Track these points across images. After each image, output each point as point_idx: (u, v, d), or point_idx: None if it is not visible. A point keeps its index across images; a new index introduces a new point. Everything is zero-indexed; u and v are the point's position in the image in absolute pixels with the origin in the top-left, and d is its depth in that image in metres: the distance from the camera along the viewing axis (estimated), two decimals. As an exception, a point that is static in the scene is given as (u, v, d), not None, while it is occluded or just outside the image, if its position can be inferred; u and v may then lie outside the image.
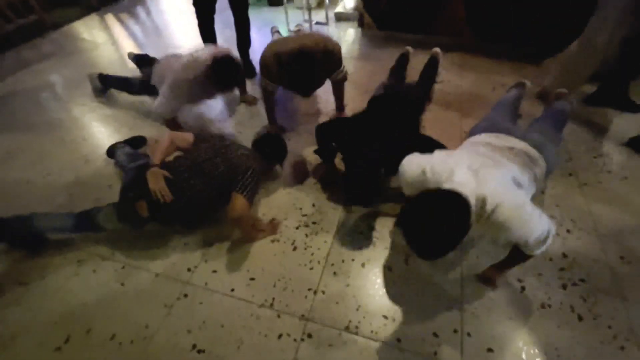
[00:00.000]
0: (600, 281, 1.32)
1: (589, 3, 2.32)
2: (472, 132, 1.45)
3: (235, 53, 2.59)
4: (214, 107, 2.40)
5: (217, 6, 2.41)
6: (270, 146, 1.64)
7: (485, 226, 1.01)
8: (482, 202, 0.96)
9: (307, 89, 1.74)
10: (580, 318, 1.23)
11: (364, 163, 1.47)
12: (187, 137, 1.52)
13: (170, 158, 1.50)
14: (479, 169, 1.05)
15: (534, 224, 0.97)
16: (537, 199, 1.60)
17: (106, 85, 2.48)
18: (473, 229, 1.01)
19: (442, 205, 0.90)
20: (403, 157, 1.30)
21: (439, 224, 0.87)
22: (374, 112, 1.69)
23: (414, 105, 1.80)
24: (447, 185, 0.99)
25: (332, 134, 1.66)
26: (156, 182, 1.35)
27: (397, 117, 1.65)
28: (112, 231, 1.48)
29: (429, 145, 1.55)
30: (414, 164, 1.14)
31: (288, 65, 1.63)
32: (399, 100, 1.77)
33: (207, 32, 2.48)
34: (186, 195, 1.38)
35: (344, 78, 1.96)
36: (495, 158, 1.14)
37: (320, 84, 1.88)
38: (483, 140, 1.28)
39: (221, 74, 1.80)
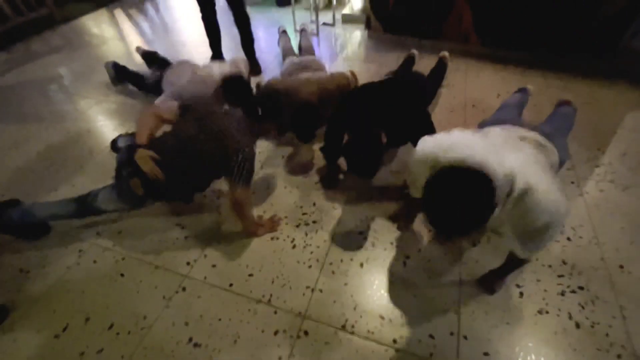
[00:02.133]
0: (599, 289, 1.32)
1: (594, 11, 2.33)
2: (480, 127, 1.41)
3: (241, 52, 2.65)
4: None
5: (223, 5, 2.43)
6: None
7: (512, 210, 0.93)
8: (510, 182, 0.90)
9: (308, 139, 1.82)
10: (577, 325, 1.22)
11: (367, 129, 1.45)
12: (172, 108, 1.46)
13: (158, 133, 1.45)
14: (499, 147, 0.99)
15: (563, 214, 0.90)
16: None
17: (120, 76, 2.52)
18: (498, 212, 0.93)
19: (466, 181, 0.83)
20: (407, 129, 1.25)
21: (465, 200, 0.82)
22: (384, 86, 1.69)
23: (422, 89, 1.80)
24: (469, 161, 0.88)
25: (342, 118, 1.63)
26: (145, 163, 1.31)
27: (405, 96, 1.64)
28: (113, 212, 1.49)
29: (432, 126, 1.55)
30: (430, 143, 1.06)
31: (294, 117, 1.70)
32: (410, 81, 1.77)
33: (210, 26, 2.52)
34: (176, 173, 1.35)
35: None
36: (512, 142, 1.08)
37: (322, 124, 1.90)
38: (494, 130, 1.22)
39: (232, 94, 1.86)
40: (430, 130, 1.55)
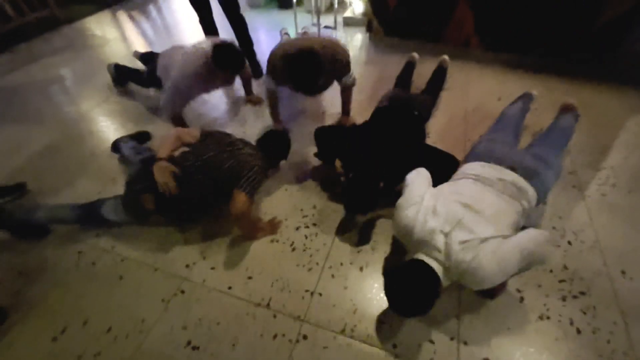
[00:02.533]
0: (600, 295, 1.31)
1: (595, 15, 2.33)
2: (471, 153, 1.48)
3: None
4: (219, 106, 2.43)
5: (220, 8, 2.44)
6: (275, 143, 1.64)
7: (465, 284, 1.11)
8: (449, 271, 1.08)
9: (311, 89, 1.75)
10: (578, 331, 1.21)
11: (364, 174, 1.48)
12: (194, 133, 1.54)
13: (177, 153, 1.51)
14: (450, 232, 1.09)
15: (512, 264, 1.03)
16: (538, 210, 1.60)
17: (121, 76, 2.54)
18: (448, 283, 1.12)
19: (415, 277, 1.08)
20: (404, 168, 1.32)
21: (413, 294, 1.06)
22: (377, 124, 1.70)
23: (419, 117, 1.80)
24: (420, 256, 1.12)
25: (330, 140, 1.67)
26: (162, 175, 1.35)
27: (401, 130, 1.66)
28: (115, 223, 1.49)
29: (434, 159, 1.57)
30: (402, 219, 1.19)
31: (293, 63, 1.64)
32: (403, 112, 1.77)
33: (209, 28, 2.52)
34: (191, 189, 1.39)
35: (353, 83, 1.97)
36: (477, 207, 1.15)
37: (325, 86, 1.90)
38: (475, 172, 1.31)
39: (221, 57, 1.84)
40: (437, 160, 1.58)
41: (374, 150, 1.55)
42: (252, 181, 1.38)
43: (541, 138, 1.62)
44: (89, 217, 1.48)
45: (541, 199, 1.31)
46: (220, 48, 1.85)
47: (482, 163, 1.35)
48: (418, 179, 1.28)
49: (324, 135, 1.71)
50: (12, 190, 1.74)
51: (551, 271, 1.39)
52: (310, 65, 1.63)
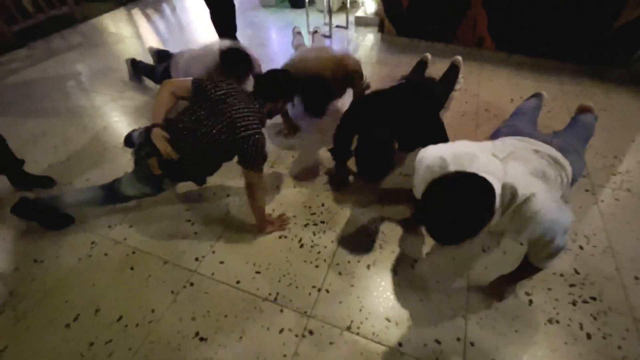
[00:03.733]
0: (612, 300, 1.28)
1: (614, 16, 2.28)
2: (494, 136, 1.42)
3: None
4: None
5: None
6: (275, 83, 1.48)
7: (512, 217, 0.95)
8: (512, 191, 0.91)
9: (319, 115, 1.76)
10: (589, 336, 1.19)
11: (378, 133, 1.44)
12: (186, 84, 1.43)
13: (173, 113, 1.45)
14: (506, 158, 1.00)
15: (565, 224, 0.91)
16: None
17: (136, 71, 2.61)
18: (498, 220, 0.97)
19: (465, 188, 0.84)
20: (419, 134, 1.26)
21: (462, 206, 0.82)
22: (397, 92, 1.66)
23: (435, 98, 1.78)
24: (470, 170, 0.92)
25: (352, 121, 1.63)
26: (159, 142, 1.33)
27: (420, 100, 1.62)
28: (136, 198, 1.53)
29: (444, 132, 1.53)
30: (433, 151, 1.07)
31: (303, 90, 1.68)
32: (421, 89, 1.76)
33: (220, 22, 2.68)
34: (189, 154, 1.36)
35: (367, 88, 2.01)
36: (522, 153, 1.08)
37: (333, 99, 1.94)
38: (507, 142, 1.22)
39: (229, 62, 1.88)
40: (442, 136, 1.55)
41: (391, 114, 1.50)
42: (255, 154, 1.32)
43: (565, 130, 1.57)
44: (112, 196, 1.51)
45: (576, 177, 1.22)
46: (227, 53, 1.88)
47: (513, 137, 1.24)
48: (432, 148, 1.14)
49: (346, 122, 1.66)
50: (41, 182, 1.80)
51: (561, 275, 1.37)
52: (319, 95, 1.68)
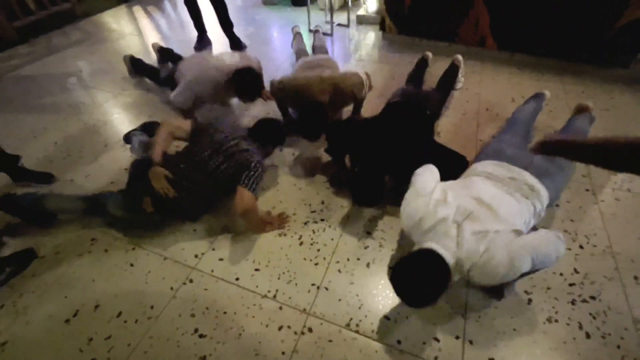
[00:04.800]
0: (611, 300, 1.28)
1: (616, 16, 2.28)
2: (482, 153, 1.46)
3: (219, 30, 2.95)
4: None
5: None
6: (267, 131, 1.67)
7: (472, 279, 1.09)
8: (460, 264, 1.05)
9: (315, 138, 1.84)
10: (588, 335, 1.19)
11: (371, 167, 1.49)
12: (184, 126, 1.53)
13: (174, 150, 1.52)
14: (463, 223, 1.09)
15: (507, 273, 1.01)
16: (550, 213, 1.57)
17: (137, 69, 2.59)
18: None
19: (425, 267, 1.04)
20: (412, 165, 1.32)
21: (422, 283, 1.02)
22: (388, 118, 1.70)
23: (429, 114, 1.80)
24: (431, 245, 1.07)
25: (342, 134, 1.68)
26: (157, 181, 1.39)
27: (411, 125, 1.65)
28: (119, 218, 1.52)
29: (442, 156, 1.56)
30: (414, 208, 1.17)
31: (300, 115, 1.75)
32: (415, 108, 1.77)
33: (192, 8, 2.87)
34: (188, 192, 1.42)
35: (369, 89, 2.02)
36: (488, 202, 1.15)
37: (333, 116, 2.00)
38: (486, 170, 1.30)
39: (242, 85, 1.91)
40: (446, 158, 1.58)
41: (383, 144, 1.55)
42: (253, 176, 1.40)
43: None
44: (94, 210, 1.51)
45: (553, 200, 1.30)
46: (242, 75, 1.88)
47: (494, 162, 1.34)
48: (426, 173, 1.27)
49: (335, 130, 1.71)
50: (40, 177, 1.80)
51: (561, 274, 1.37)
52: (316, 121, 1.74)
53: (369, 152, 1.56)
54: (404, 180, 1.30)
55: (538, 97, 1.94)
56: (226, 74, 1.93)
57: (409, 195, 1.21)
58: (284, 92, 1.92)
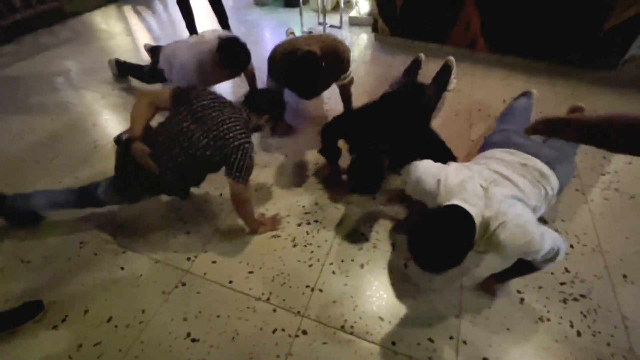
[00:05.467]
0: (601, 298, 1.30)
1: (602, 19, 2.33)
2: (486, 143, 1.46)
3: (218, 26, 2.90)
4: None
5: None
6: (267, 99, 1.48)
7: (487, 244, 1.03)
8: (486, 223, 1.00)
9: (310, 94, 1.71)
10: (579, 334, 1.21)
11: (370, 151, 1.45)
12: (163, 94, 1.38)
13: (154, 123, 1.40)
14: (489, 186, 1.07)
15: (536, 243, 0.97)
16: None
17: (122, 71, 2.54)
18: (477, 246, 1.05)
19: (449, 222, 0.95)
20: (410, 152, 1.29)
21: (444, 240, 0.92)
22: (385, 105, 1.68)
23: (426, 103, 1.80)
24: (456, 201, 1.02)
25: (337, 131, 1.65)
26: (140, 157, 1.28)
27: (408, 113, 1.64)
28: (112, 204, 1.48)
29: (437, 147, 1.55)
30: (429, 174, 1.14)
31: (292, 69, 1.62)
32: (411, 96, 1.76)
33: (184, 7, 2.86)
34: (172, 168, 1.31)
35: (350, 82, 1.96)
36: (506, 175, 1.14)
37: (325, 86, 1.89)
38: (495, 156, 1.29)
39: (228, 53, 1.81)
40: (437, 146, 1.56)
41: (380, 130, 1.51)
42: (242, 164, 1.28)
43: (554, 144, 1.61)
44: (86, 199, 1.46)
45: (562, 187, 1.29)
46: (226, 44, 1.81)
47: (503, 149, 1.32)
48: (425, 161, 1.23)
49: (330, 130, 1.69)
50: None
51: (552, 273, 1.39)
52: (309, 71, 1.60)
53: (366, 137, 1.52)
54: (402, 163, 1.28)
55: (527, 94, 1.97)
56: (209, 48, 1.84)
57: (419, 163, 1.18)
58: (274, 61, 1.80)
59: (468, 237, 0.95)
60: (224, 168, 1.34)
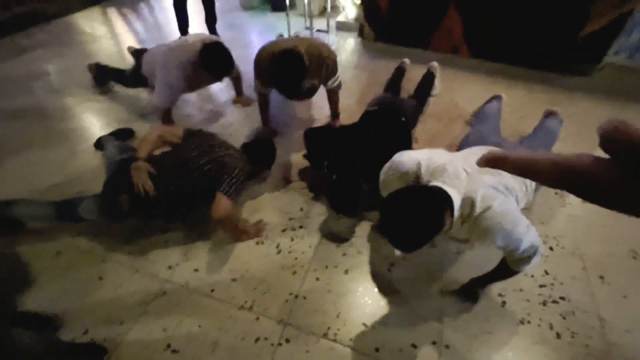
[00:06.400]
0: (579, 300, 1.33)
1: (580, 25, 2.40)
2: (463, 144, 1.47)
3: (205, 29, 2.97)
4: (206, 107, 2.41)
5: (217, 9, 2.46)
6: (260, 151, 1.65)
7: (471, 228, 1.01)
8: (471, 203, 0.97)
9: (294, 91, 1.68)
10: (558, 336, 1.23)
11: (348, 175, 1.49)
12: (177, 132, 1.51)
13: (157, 152, 1.48)
14: (473, 172, 1.05)
15: (521, 233, 0.96)
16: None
17: (103, 76, 2.46)
18: (458, 231, 1.03)
19: (418, 200, 0.93)
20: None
21: (412, 217, 0.91)
22: (365, 126, 1.70)
23: (406, 123, 1.82)
24: (436, 183, 1.00)
25: (319, 140, 1.68)
26: (139, 176, 1.33)
27: (388, 133, 1.67)
28: (92, 223, 1.45)
29: None
30: (408, 157, 1.13)
31: (276, 65, 1.61)
32: (391, 116, 1.79)
33: (180, 10, 2.87)
34: (169, 190, 1.36)
35: (338, 87, 1.97)
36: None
37: (313, 90, 1.89)
38: (475, 151, 1.28)
39: (210, 58, 1.81)
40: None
41: (360, 153, 1.55)
42: (234, 183, 1.36)
43: (530, 136, 1.65)
44: (66, 215, 1.43)
45: (539, 186, 1.29)
46: (209, 49, 1.79)
47: (479, 147, 1.32)
48: (407, 151, 1.22)
49: (313, 136, 1.71)
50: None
51: (532, 276, 1.41)
52: (292, 68, 1.60)
53: (346, 159, 1.56)
54: (374, 184, 1.30)
55: (497, 98, 2.05)
56: (192, 52, 1.83)
57: (395, 156, 1.17)
58: (260, 62, 1.79)
59: (438, 215, 0.93)
60: None
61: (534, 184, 1.23)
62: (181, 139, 1.50)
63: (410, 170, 1.11)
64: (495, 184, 1.03)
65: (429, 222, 0.92)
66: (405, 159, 1.14)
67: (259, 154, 1.64)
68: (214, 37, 1.98)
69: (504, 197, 1.02)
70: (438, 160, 1.08)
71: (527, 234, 0.97)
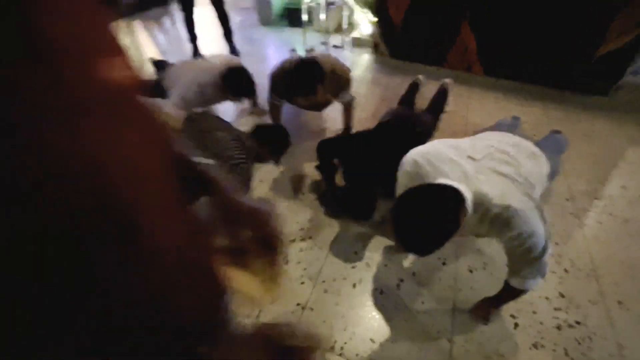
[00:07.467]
0: (596, 325, 1.28)
1: (596, 45, 2.40)
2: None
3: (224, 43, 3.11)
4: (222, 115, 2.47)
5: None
6: (273, 135, 1.63)
7: (491, 224, 0.96)
8: (486, 199, 0.93)
9: (310, 92, 1.72)
10: (573, 362, 1.18)
11: (362, 180, 1.49)
12: (176, 115, 1.52)
13: None
14: (482, 159, 1.01)
15: (539, 230, 0.92)
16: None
17: None
18: (473, 228, 1.01)
19: (432, 199, 0.88)
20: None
21: (427, 218, 0.86)
22: (379, 135, 1.72)
23: (420, 134, 1.83)
24: (441, 179, 0.97)
25: (333, 151, 1.69)
26: None
27: (401, 144, 1.67)
28: None
29: None
30: (410, 156, 1.14)
31: (294, 69, 1.69)
32: (405, 128, 1.80)
33: (189, 23, 3.13)
34: None
35: (351, 100, 2.01)
36: (502, 148, 1.09)
37: (326, 102, 1.94)
38: (487, 136, 1.27)
39: (232, 83, 1.90)
40: None
41: (373, 163, 1.54)
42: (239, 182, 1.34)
43: (539, 142, 1.63)
44: None
45: (552, 174, 1.25)
46: (232, 74, 1.89)
47: (495, 132, 1.29)
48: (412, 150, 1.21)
49: (326, 148, 1.72)
50: None
51: (547, 298, 1.37)
52: (310, 68, 1.69)
53: (360, 166, 1.56)
54: (394, 196, 1.30)
55: (516, 118, 2.04)
56: (217, 75, 1.93)
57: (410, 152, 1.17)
58: (275, 75, 1.88)
59: (454, 215, 0.86)
60: None
61: (547, 170, 1.19)
62: (181, 124, 1.48)
63: (410, 169, 1.11)
64: (509, 172, 0.98)
65: (446, 222, 0.86)
66: (405, 159, 1.15)
67: (271, 137, 1.62)
68: (237, 61, 2.07)
69: (519, 188, 0.96)
70: (441, 153, 1.05)
71: (544, 241, 0.93)
